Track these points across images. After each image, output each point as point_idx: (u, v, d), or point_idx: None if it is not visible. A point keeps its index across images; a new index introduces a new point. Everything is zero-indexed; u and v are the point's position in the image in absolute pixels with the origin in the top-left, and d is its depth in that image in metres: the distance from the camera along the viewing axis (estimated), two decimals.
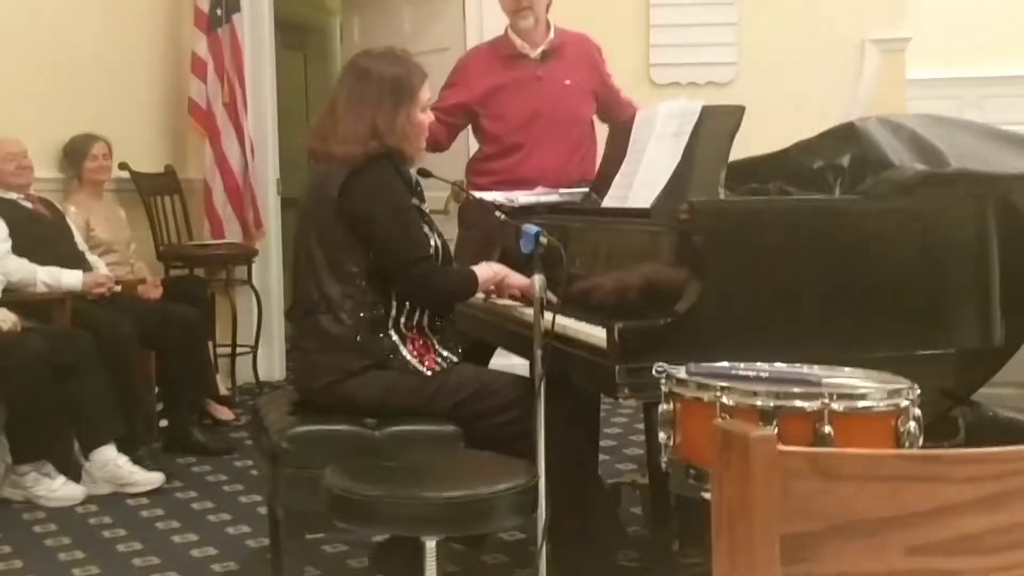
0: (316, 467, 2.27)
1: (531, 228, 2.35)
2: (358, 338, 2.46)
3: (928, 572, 0.93)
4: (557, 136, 3.50)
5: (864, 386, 1.62)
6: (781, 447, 0.89)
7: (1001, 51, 5.86)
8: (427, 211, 2.64)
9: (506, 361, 3.07)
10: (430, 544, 1.98)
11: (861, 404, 1.56)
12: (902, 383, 1.61)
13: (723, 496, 0.93)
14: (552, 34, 3.58)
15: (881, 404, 1.56)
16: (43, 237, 3.92)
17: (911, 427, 1.54)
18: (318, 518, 2.34)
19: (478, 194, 2.94)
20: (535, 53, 3.54)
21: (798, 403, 1.55)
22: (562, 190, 3.07)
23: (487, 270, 2.62)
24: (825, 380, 1.64)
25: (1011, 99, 5.95)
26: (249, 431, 2.77)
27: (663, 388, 1.70)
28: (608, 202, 2.77)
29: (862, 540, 0.92)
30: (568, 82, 3.54)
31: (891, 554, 0.92)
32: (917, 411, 1.56)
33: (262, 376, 5.32)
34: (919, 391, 1.58)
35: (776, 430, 1.50)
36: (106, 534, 3.23)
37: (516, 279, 2.61)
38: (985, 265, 2.29)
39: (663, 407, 1.70)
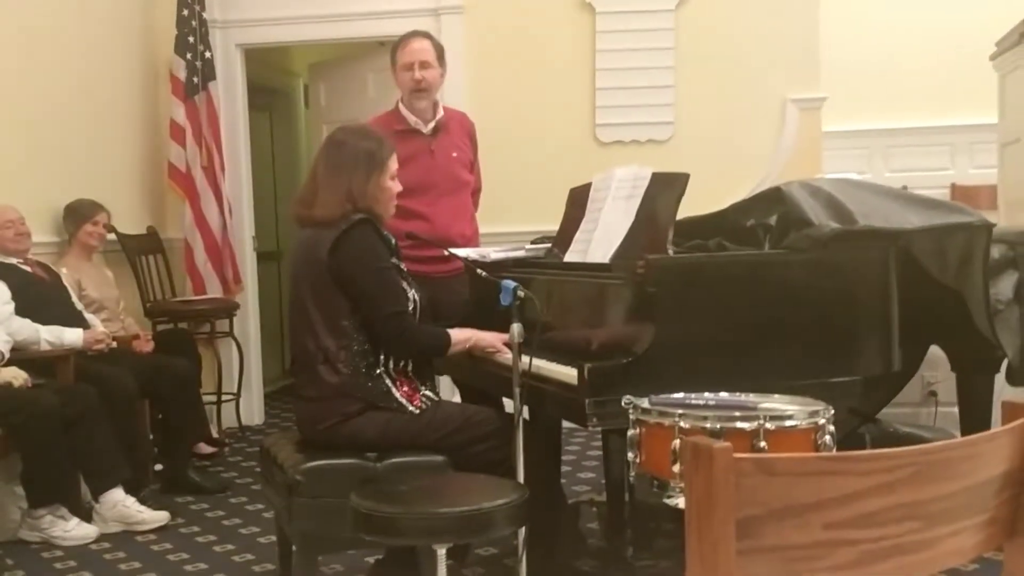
0: (326, 496, 2.57)
1: (509, 283, 2.56)
2: (354, 384, 2.68)
3: (839, 541, 1.14)
4: (451, 202, 3.72)
5: (789, 409, 1.90)
6: (736, 454, 1.10)
7: (902, 107, 6.29)
8: (405, 269, 2.87)
9: None
10: (441, 551, 2.24)
11: (788, 423, 1.81)
12: (819, 405, 1.89)
13: (693, 492, 1.12)
14: (440, 111, 3.79)
15: (803, 423, 1.82)
16: (43, 298, 4.07)
17: (827, 440, 1.83)
18: (329, 540, 2.62)
19: (457, 251, 3.16)
20: (427, 129, 3.73)
21: (739, 424, 1.79)
22: (527, 246, 3.32)
23: (459, 334, 2.83)
24: (759, 405, 1.92)
25: (911, 148, 6.49)
26: (260, 467, 3.05)
27: (631, 416, 1.92)
28: (570, 257, 2.97)
29: (793, 520, 1.12)
30: (455, 154, 3.77)
31: (813, 529, 1.13)
32: (831, 427, 1.85)
33: (244, 421, 5.45)
34: (833, 411, 1.87)
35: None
36: (123, 567, 3.42)
37: (486, 341, 2.84)
38: (887, 305, 2.62)
39: (631, 432, 1.92)
